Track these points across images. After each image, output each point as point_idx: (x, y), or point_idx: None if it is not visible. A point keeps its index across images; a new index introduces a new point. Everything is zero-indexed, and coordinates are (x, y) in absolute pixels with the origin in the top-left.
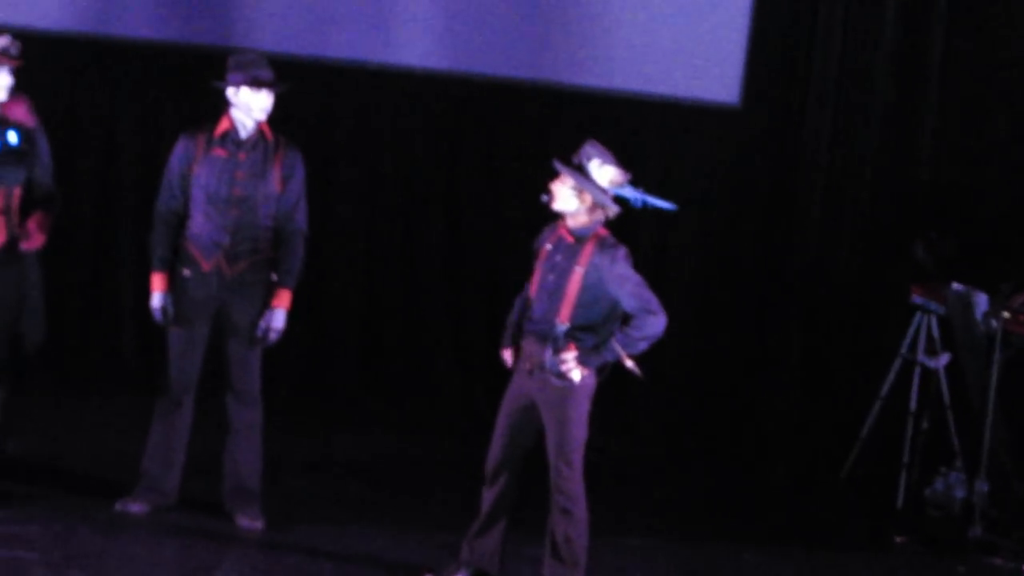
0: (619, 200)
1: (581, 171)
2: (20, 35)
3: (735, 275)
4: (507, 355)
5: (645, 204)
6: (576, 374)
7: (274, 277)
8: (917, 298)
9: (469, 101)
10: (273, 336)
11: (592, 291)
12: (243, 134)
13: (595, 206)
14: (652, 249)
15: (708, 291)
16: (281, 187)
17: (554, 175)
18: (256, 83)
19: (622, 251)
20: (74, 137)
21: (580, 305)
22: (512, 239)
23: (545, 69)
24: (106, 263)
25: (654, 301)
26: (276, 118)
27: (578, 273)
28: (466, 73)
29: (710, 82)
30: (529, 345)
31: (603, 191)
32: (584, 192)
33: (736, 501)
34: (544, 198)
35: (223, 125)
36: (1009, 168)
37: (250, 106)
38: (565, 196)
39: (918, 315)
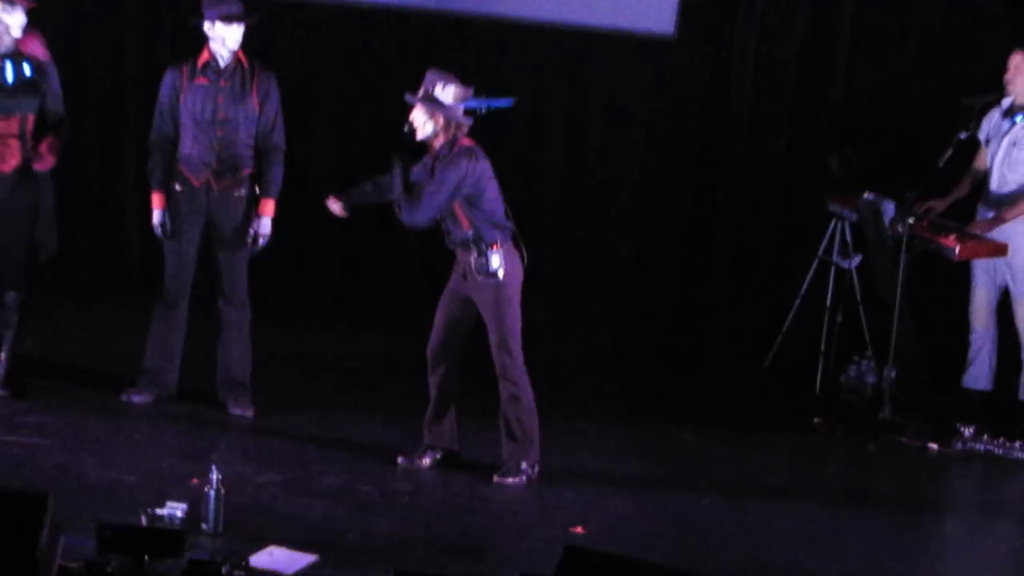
0: (470, 112)
1: (429, 98)
2: None
3: (674, 187)
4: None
5: (489, 108)
6: (494, 260)
7: (258, 190)
8: (833, 206)
9: (416, 33)
10: (261, 241)
11: (464, 196)
12: (222, 63)
13: (448, 123)
14: (597, 169)
15: (649, 203)
16: (259, 108)
17: (410, 109)
18: (227, 18)
19: (463, 161)
20: (82, 69)
21: (466, 213)
22: None
23: (489, 3)
24: (112, 180)
25: (426, 197)
26: (256, 49)
27: None
28: (416, 8)
29: (648, 14)
30: (458, 254)
31: (451, 109)
32: (436, 114)
33: (675, 388)
34: (406, 129)
35: (204, 56)
36: (916, 89)
37: (224, 38)
38: (421, 124)
39: (833, 221)
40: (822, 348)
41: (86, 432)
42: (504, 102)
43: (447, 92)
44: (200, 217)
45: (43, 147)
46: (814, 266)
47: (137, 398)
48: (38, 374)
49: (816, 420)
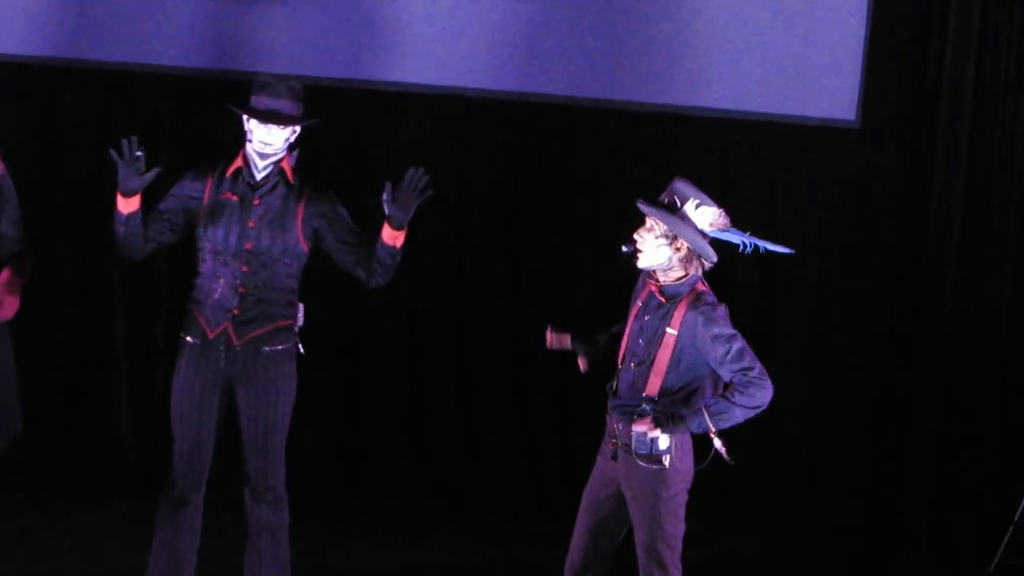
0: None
1: (674, 213)
2: None
3: (856, 326)
4: (582, 363)
5: (757, 249)
6: (663, 440)
7: (301, 349)
8: None
9: (537, 127)
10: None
11: (685, 355)
12: (257, 174)
13: (692, 255)
14: (755, 296)
15: (824, 346)
16: (306, 244)
17: (638, 221)
18: (264, 115)
19: (721, 309)
20: (53, 179)
21: (670, 372)
22: (585, 289)
23: (626, 89)
24: (96, 331)
25: (756, 368)
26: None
27: (670, 337)
28: (536, 94)
29: (821, 97)
30: (613, 423)
31: (703, 236)
32: (679, 239)
33: None
34: (625, 249)
35: (236, 163)
36: None
37: (256, 139)
38: (652, 247)
39: None
40: None
41: None
42: (782, 248)
43: (702, 214)
44: (218, 380)
45: (0, 288)
46: None
47: None
48: None
49: None
